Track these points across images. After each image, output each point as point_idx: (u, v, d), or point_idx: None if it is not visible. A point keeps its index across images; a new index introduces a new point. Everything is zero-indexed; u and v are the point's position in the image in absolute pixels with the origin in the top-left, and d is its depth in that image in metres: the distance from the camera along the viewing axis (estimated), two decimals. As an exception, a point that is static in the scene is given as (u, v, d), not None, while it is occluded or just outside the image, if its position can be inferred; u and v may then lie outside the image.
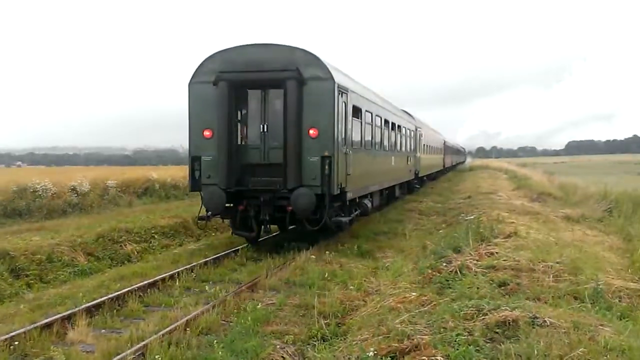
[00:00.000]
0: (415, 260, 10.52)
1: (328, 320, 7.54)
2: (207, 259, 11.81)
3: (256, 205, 12.44)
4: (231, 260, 12.13)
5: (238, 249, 12.96)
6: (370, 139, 16.46)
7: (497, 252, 9.55)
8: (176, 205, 21.64)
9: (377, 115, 17.29)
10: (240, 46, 12.75)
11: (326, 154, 12.10)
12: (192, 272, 10.80)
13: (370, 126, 16.49)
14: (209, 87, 12.35)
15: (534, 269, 8.52)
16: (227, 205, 12.46)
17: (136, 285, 9.50)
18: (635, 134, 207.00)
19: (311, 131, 12.11)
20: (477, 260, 9.12)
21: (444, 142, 45.87)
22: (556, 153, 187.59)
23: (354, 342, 6.10)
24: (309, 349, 6.63)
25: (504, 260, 9.00)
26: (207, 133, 12.55)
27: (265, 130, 12.49)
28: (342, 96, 12.83)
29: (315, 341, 6.87)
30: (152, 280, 9.95)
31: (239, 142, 12.77)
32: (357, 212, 15.13)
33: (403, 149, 22.99)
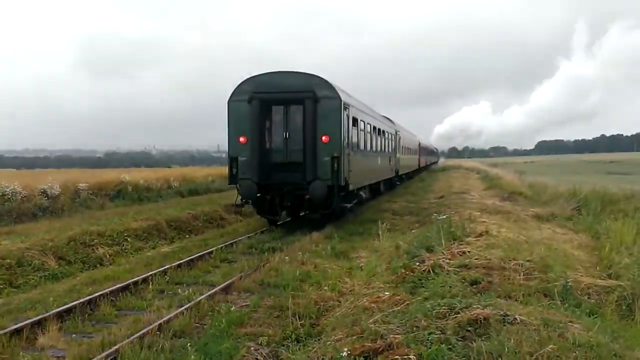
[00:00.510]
0: (388, 260, 10.57)
1: (302, 321, 7.54)
2: (181, 262, 11.75)
3: (280, 195, 16.07)
4: (205, 263, 12.09)
5: (212, 251, 12.91)
6: (364, 143, 20.12)
7: (469, 251, 9.65)
8: (149, 208, 21.45)
9: (368, 123, 20.96)
10: (269, 73, 16.52)
11: (335, 154, 15.70)
12: (165, 274, 10.72)
13: (364, 132, 20.21)
14: (244, 104, 15.90)
15: (505, 267, 8.64)
16: (258, 195, 15.85)
17: (108, 289, 9.39)
18: (603, 134, 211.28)
19: (324, 138, 15.66)
20: (449, 259, 9.21)
21: (419, 143, 49.67)
22: (526, 153, 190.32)
23: (328, 343, 6.11)
24: (283, 350, 6.63)
25: (476, 259, 9.11)
26: (242, 139, 15.96)
27: (287, 136, 16.03)
28: (345, 110, 16.55)
29: (290, 342, 6.87)
30: (124, 283, 9.86)
31: (267, 146, 16.15)
32: (355, 201, 18.99)
33: (386, 150, 26.41)
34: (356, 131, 18.56)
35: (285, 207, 16.81)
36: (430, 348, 5.31)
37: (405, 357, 5.22)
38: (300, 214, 18.07)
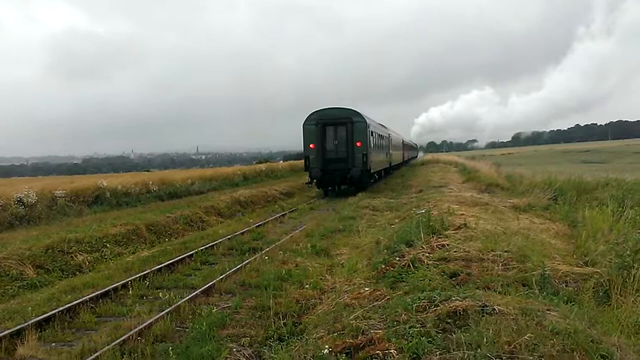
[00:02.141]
0: (369, 256, 10.62)
1: (284, 320, 7.55)
2: (161, 266, 11.66)
3: (333, 176, 27.29)
4: (186, 266, 12.03)
5: (192, 254, 12.85)
6: (375, 145, 30.45)
7: (448, 244, 9.72)
8: (128, 213, 21.23)
9: (377, 133, 32.08)
10: (325, 108, 27.71)
11: (364, 153, 26.84)
12: (145, 279, 10.64)
13: (375, 139, 30.73)
14: (313, 126, 27.11)
15: (484, 258, 8.72)
16: (320, 177, 27.03)
17: (88, 296, 9.31)
18: (577, 124, 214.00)
19: (357, 143, 26.84)
20: (429, 253, 9.28)
21: (402, 141, 59.06)
22: (503, 145, 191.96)
23: (309, 341, 6.12)
24: (265, 351, 6.63)
25: (455, 252, 9.18)
26: (312, 145, 27.08)
27: (337, 143, 27.13)
28: (368, 127, 27.71)
29: (272, 342, 6.87)
30: (104, 290, 9.77)
31: (325, 149, 27.15)
32: (373, 180, 31.39)
33: (385, 149, 36.79)
34: (373, 139, 29.28)
35: (336, 183, 28.16)
36: (410, 342, 5.34)
37: (386, 351, 5.25)
38: (342, 188, 28.75)
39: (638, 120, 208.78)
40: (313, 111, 27.43)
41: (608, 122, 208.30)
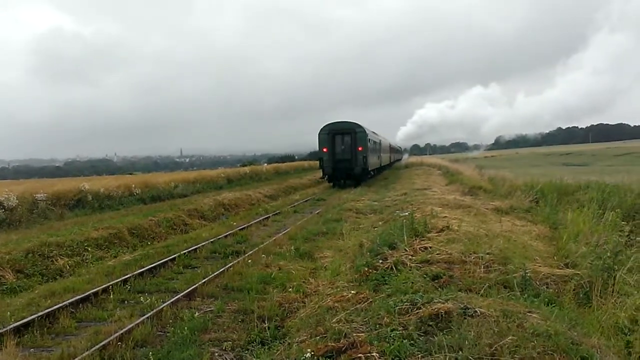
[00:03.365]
0: (352, 259, 10.61)
1: (267, 324, 7.52)
2: (143, 269, 11.57)
3: (340, 173, 35.39)
4: (168, 270, 11.94)
5: (175, 257, 12.76)
6: (371, 149, 37.48)
7: (430, 247, 9.76)
8: (110, 216, 21.00)
9: (373, 140, 39.45)
10: (335, 122, 35.89)
11: (364, 155, 34.86)
12: (126, 283, 10.54)
13: (370, 144, 37.45)
14: (326, 135, 35.01)
15: (466, 260, 8.76)
16: (331, 173, 35.49)
17: (68, 301, 9.20)
18: (559, 127, 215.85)
19: (359, 148, 34.80)
20: (411, 256, 9.30)
21: (390, 145, 65.20)
22: (487, 147, 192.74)
23: (292, 345, 6.10)
24: (247, 355, 6.60)
25: (438, 254, 9.22)
26: (325, 149, 34.95)
27: (343, 148, 35.14)
28: (367, 136, 35.62)
29: (255, 346, 6.84)
30: (84, 294, 9.66)
31: (335, 152, 34.99)
32: (369, 176, 38.65)
33: (377, 152, 43.74)
34: (369, 144, 36.77)
35: (342, 178, 36.00)
36: (392, 344, 5.34)
37: (368, 354, 5.24)
38: (347, 182, 36.03)
39: (619, 124, 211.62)
40: (326, 124, 35.86)
41: (589, 125, 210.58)
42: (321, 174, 37.09)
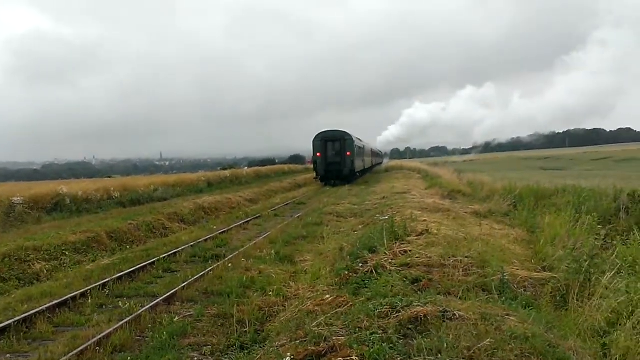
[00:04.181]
0: (333, 263, 10.63)
1: (247, 328, 7.51)
2: (122, 274, 11.47)
3: (331, 175, 41.03)
4: (147, 274, 11.84)
5: (154, 261, 12.66)
6: (357, 153, 43.06)
7: (410, 250, 9.81)
8: (88, 220, 20.76)
9: (358, 145, 45.17)
10: (327, 130, 42.23)
11: (352, 159, 41.23)
12: (105, 288, 10.44)
13: (357, 149, 43.07)
14: (319, 142, 41.20)
15: (445, 264, 8.83)
16: (324, 174, 41.51)
17: (45, 306, 9.07)
18: (536, 131, 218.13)
19: (347, 153, 41.02)
20: (391, 259, 9.35)
21: (372, 149, 69.06)
22: (465, 152, 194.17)
23: (271, 349, 6.09)
24: (227, 359, 6.58)
25: (417, 258, 9.27)
26: (318, 154, 41.08)
27: (334, 153, 41.22)
28: (354, 142, 42.24)
29: (234, 350, 6.83)
30: (62, 299, 9.54)
31: (327, 156, 41.07)
32: (356, 177, 44.39)
33: (362, 155, 49.60)
34: (357, 149, 43.08)
35: (333, 179, 40.46)
36: (372, 348, 5.36)
37: (348, 358, 5.25)
38: (338, 182, 39.95)
39: (594, 129, 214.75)
40: (319, 132, 41.88)
41: (566, 129, 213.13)
42: (314, 174, 43.19)
